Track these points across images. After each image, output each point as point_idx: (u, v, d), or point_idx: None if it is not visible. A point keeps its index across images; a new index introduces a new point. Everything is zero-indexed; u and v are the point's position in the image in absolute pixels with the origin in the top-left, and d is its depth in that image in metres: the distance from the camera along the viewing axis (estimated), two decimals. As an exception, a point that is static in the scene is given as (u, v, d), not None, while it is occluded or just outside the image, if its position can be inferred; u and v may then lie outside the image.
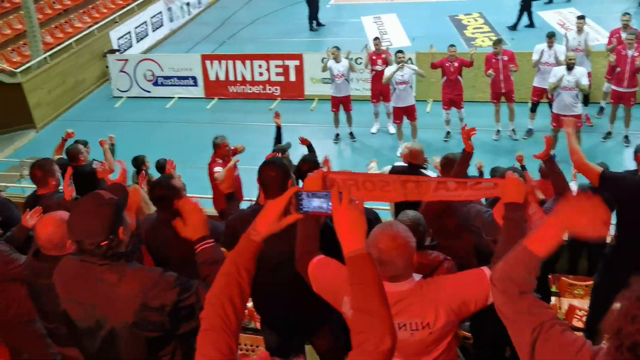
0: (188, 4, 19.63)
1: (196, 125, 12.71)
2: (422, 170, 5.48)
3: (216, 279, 1.93)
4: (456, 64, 10.39)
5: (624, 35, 10.17)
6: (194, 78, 14.24)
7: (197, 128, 12.31)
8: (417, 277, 2.50)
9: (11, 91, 13.63)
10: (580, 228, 1.77)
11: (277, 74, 13.60)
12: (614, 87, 10.13)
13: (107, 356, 2.52)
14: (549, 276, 5.36)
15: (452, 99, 10.62)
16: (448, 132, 11.07)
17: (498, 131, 10.97)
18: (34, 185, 5.15)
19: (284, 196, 1.96)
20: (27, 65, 14.17)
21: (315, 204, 1.92)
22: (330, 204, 1.87)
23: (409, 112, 10.54)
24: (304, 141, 7.14)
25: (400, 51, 10.50)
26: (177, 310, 2.43)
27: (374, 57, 10.98)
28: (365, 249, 1.77)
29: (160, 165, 7.35)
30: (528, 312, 1.80)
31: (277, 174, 3.26)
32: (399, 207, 5.32)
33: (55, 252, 3.06)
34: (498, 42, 10.54)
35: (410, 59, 11.08)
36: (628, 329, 1.52)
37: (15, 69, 13.93)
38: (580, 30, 10.63)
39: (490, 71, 10.34)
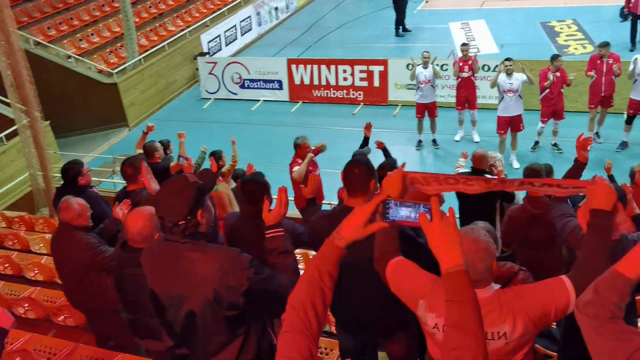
0: (277, 8, 20.02)
1: (280, 127, 12.93)
2: (487, 175, 5.45)
3: (299, 282, 1.95)
4: (558, 75, 9.89)
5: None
6: (279, 82, 14.49)
7: (282, 130, 12.51)
8: (496, 286, 2.45)
9: (108, 91, 14.39)
10: None
11: (362, 79, 13.63)
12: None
13: (188, 332, 2.61)
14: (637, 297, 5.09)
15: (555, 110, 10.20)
16: (537, 142, 10.72)
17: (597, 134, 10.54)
18: (125, 182, 5.39)
19: (372, 202, 1.95)
20: (123, 66, 14.91)
21: (403, 213, 1.90)
22: (418, 213, 1.85)
23: (514, 122, 10.04)
24: (379, 145, 7.16)
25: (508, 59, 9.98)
26: (252, 291, 2.49)
27: (460, 64, 10.80)
28: (463, 265, 1.77)
29: (217, 156, 7.24)
30: (619, 338, 1.74)
31: (360, 171, 3.26)
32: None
33: (142, 245, 3.20)
34: (604, 45, 10.02)
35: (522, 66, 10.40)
36: None
37: (112, 69, 14.68)
38: None
39: (592, 72, 9.92)
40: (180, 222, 2.52)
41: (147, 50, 15.69)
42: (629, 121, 10.16)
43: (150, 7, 17.65)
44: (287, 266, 2.65)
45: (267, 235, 2.60)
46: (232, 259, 2.52)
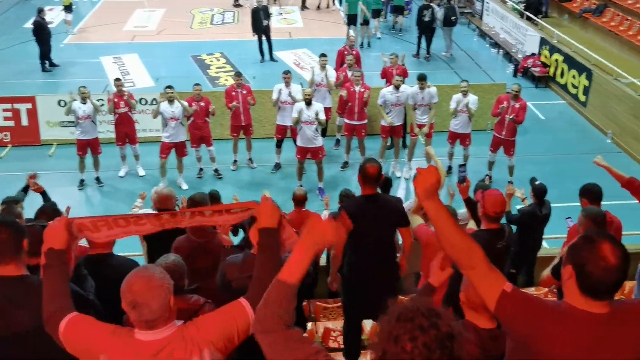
0: None
1: None
2: None
3: None
4: (202, 104, 10.49)
5: (349, 73, 11.27)
6: None
7: None
8: (178, 322, 2.41)
9: None
10: (322, 245, 2.05)
11: (6, 119, 12.29)
12: (346, 120, 11.12)
13: None
14: (304, 303, 5.60)
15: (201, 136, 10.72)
16: (201, 169, 11.12)
17: (235, 161, 11.39)
18: None
19: None
20: None
21: None
22: None
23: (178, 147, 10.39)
24: (36, 188, 6.25)
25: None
26: None
27: (115, 100, 10.56)
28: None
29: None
30: (289, 347, 1.87)
31: (7, 236, 2.81)
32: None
33: None
34: (239, 75, 10.99)
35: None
36: (392, 349, 1.61)
37: None
38: (323, 67, 11.50)
39: (234, 103, 10.68)
40: None
41: None
42: (279, 144, 11.21)
43: None
44: None
45: None
46: None
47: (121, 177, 11.16)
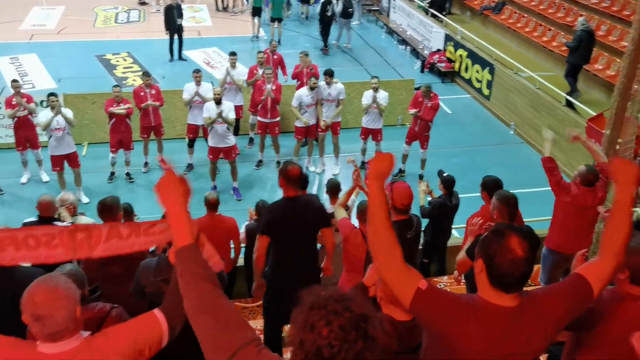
0: None
1: None
2: (57, 223, 5.13)
3: None
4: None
5: (261, 70, 11.21)
6: None
7: None
8: (85, 333, 2.30)
9: None
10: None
11: None
12: (259, 118, 11.05)
13: None
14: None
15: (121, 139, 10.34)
16: (113, 173, 10.73)
17: (146, 163, 11.09)
18: None
19: None
20: None
21: None
22: None
23: (70, 158, 9.85)
24: None
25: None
26: None
27: (13, 102, 9.98)
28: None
29: None
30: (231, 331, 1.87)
31: None
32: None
33: None
34: (147, 75, 10.67)
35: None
36: (309, 337, 1.63)
37: None
38: (233, 65, 11.36)
39: (149, 101, 10.41)
40: None
41: None
42: (191, 144, 11.01)
43: None
44: None
45: None
46: None
47: (23, 184, 10.59)
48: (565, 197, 5.83)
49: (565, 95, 12.22)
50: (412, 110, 10.56)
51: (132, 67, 16.13)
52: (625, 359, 2.93)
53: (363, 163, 11.01)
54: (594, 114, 9.86)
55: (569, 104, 12.06)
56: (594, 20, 13.90)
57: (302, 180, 5.05)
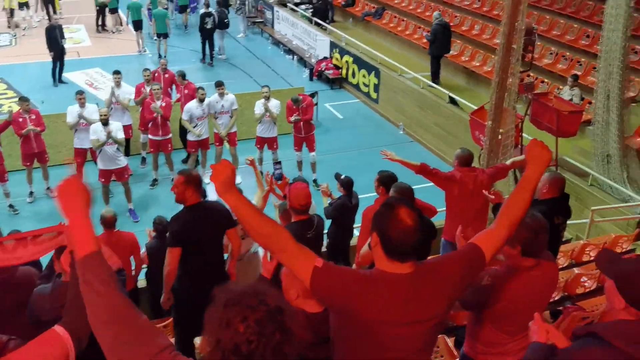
0: None
1: None
2: None
3: None
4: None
5: (148, 88, 10.93)
6: None
7: None
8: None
9: None
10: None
11: None
12: (150, 136, 10.75)
13: None
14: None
15: None
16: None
17: (31, 193, 10.53)
18: None
19: None
20: None
21: None
22: None
23: None
24: None
25: None
26: None
27: None
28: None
29: None
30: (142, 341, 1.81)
31: None
32: None
33: None
34: (25, 100, 10.09)
35: None
36: (225, 335, 1.60)
37: None
38: (118, 84, 10.99)
39: (26, 129, 9.84)
40: None
41: None
42: (79, 169, 10.52)
43: None
44: None
45: None
46: None
47: None
48: (454, 187, 6.07)
49: (448, 93, 12.83)
50: (293, 117, 10.79)
51: (6, 94, 15.24)
52: (526, 325, 3.12)
53: (261, 173, 10.99)
54: (476, 107, 10.38)
55: (452, 101, 12.66)
56: (467, 21, 14.73)
57: (201, 185, 4.97)
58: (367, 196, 7.99)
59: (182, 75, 11.73)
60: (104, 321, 1.84)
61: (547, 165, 2.63)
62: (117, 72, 11.18)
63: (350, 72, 16.24)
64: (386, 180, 5.49)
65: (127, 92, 11.20)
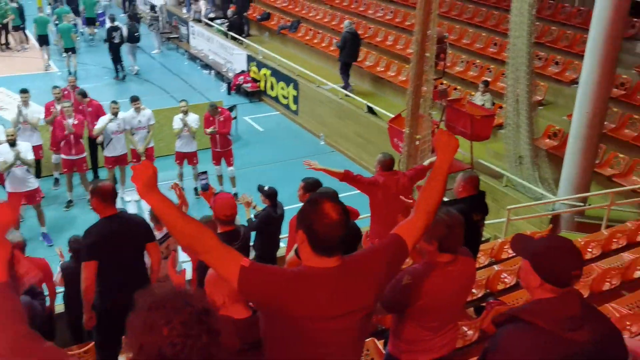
0: None
1: None
2: None
3: None
4: None
5: (59, 106, 10.49)
6: None
7: None
8: None
9: None
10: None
11: None
12: (63, 156, 10.31)
13: None
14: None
15: None
16: None
17: None
18: None
19: None
20: None
21: None
22: None
23: None
24: None
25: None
26: None
27: None
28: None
29: None
30: None
31: None
32: None
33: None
34: None
35: None
36: (149, 339, 1.54)
37: None
38: (26, 103, 10.50)
39: None
40: None
41: None
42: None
43: None
44: None
45: None
46: None
47: None
48: (378, 191, 6.15)
49: (366, 102, 13.03)
50: (209, 129, 10.68)
51: None
52: (448, 320, 3.18)
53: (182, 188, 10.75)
54: (392, 115, 10.59)
55: (370, 110, 12.87)
56: (381, 32, 15.03)
57: (117, 196, 4.79)
58: (292, 207, 7.96)
59: (83, 94, 11.28)
60: (4, 355, 1.74)
61: (455, 152, 2.71)
62: (24, 91, 10.67)
63: (268, 84, 16.23)
64: (311, 187, 5.48)
65: (36, 111, 10.72)
